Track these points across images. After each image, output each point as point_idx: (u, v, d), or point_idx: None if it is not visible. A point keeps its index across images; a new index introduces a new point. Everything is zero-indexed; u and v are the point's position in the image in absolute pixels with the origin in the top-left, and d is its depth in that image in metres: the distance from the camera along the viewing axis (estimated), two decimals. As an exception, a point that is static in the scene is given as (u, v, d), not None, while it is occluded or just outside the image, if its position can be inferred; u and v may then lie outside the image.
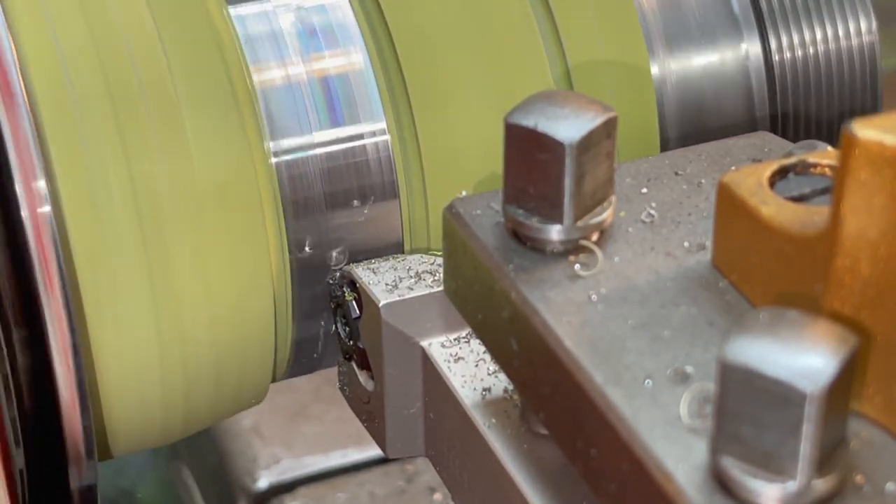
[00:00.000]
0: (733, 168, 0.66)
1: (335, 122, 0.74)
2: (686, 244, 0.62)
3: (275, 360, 0.77)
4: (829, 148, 0.64)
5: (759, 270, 0.58)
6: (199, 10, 0.73)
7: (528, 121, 0.61)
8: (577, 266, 0.61)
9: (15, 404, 0.68)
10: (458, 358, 0.71)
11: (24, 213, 0.66)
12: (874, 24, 0.81)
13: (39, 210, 0.66)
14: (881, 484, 0.51)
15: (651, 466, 0.52)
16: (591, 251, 0.61)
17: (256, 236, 0.72)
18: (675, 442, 0.52)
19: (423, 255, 0.75)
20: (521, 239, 0.62)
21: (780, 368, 0.48)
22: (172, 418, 0.74)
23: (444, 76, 0.75)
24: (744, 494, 0.50)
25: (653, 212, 0.64)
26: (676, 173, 0.67)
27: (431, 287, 0.72)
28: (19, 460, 0.70)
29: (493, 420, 0.68)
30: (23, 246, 0.66)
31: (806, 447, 0.49)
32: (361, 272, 0.74)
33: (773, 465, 0.49)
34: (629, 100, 0.78)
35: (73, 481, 0.70)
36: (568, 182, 0.60)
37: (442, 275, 0.69)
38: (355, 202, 0.75)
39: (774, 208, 0.57)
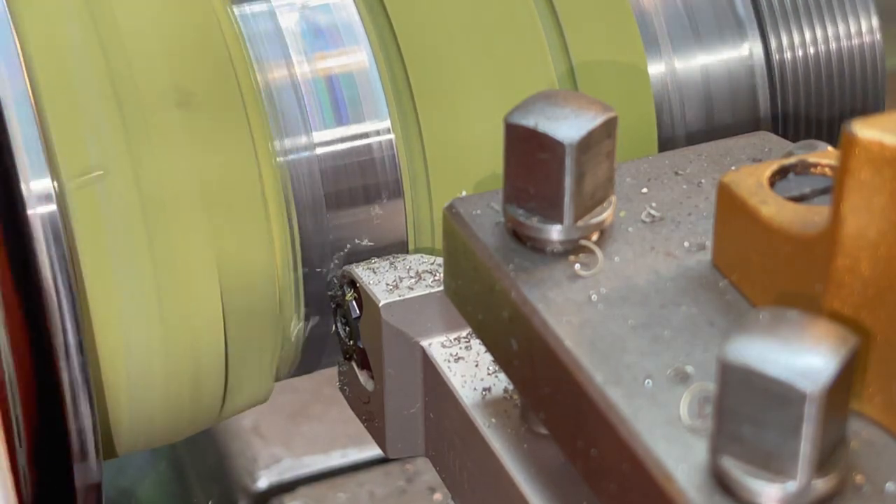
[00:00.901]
0: (733, 168, 0.66)
1: (340, 121, 0.75)
2: (686, 244, 0.62)
3: (280, 358, 0.77)
4: (829, 148, 0.64)
5: (759, 270, 0.58)
6: (205, 9, 0.73)
7: (528, 121, 0.61)
8: (577, 266, 0.61)
9: (20, 402, 0.68)
10: (458, 358, 0.71)
11: (30, 211, 0.66)
12: (877, 24, 0.81)
13: (45, 209, 0.66)
14: (881, 484, 0.51)
15: (651, 466, 0.52)
16: (591, 251, 0.61)
17: (262, 235, 0.73)
18: (675, 442, 0.52)
19: (423, 255, 0.75)
20: (521, 239, 0.62)
21: (780, 368, 0.48)
22: (178, 417, 0.74)
23: (448, 75, 0.75)
24: (744, 494, 0.50)
25: (653, 212, 0.64)
26: (676, 173, 0.67)
27: (431, 287, 0.72)
28: (24, 459, 0.70)
29: (493, 420, 0.68)
30: (28, 245, 0.66)
31: (806, 447, 0.49)
32: (361, 272, 0.74)
33: (773, 465, 0.49)
34: (629, 99, 0.78)
35: (79, 480, 0.70)
36: (568, 182, 0.60)
37: (442, 275, 0.69)
38: (360, 201, 0.75)
39: (774, 208, 0.57)
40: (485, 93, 0.75)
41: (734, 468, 0.50)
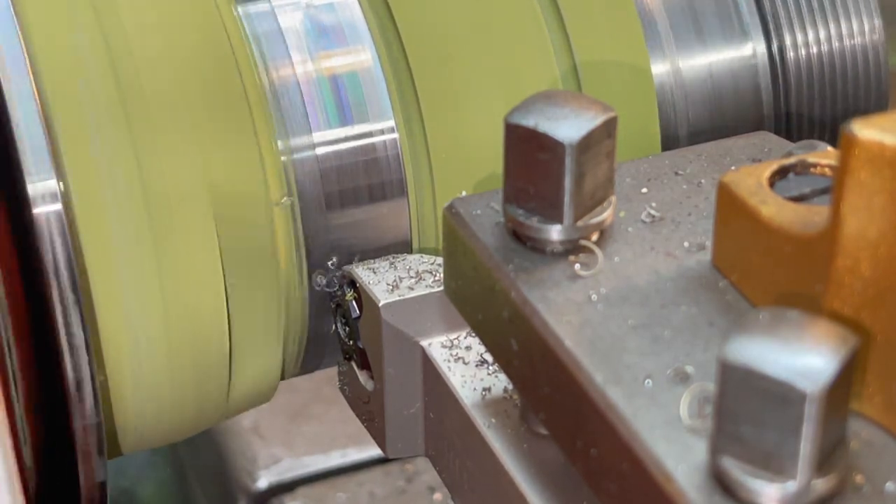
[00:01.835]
0: (733, 168, 0.66)
1: (344, 121, 0.75)
2: (686, 244, 0.62)
3: (284, 357, 0.77)
4: (829, 148, 0.64)
5: (759, 270, 0.58)
6: (209, 9, 0.73)
7: (529, 121, 0.61)
8: (577, 266, 0.61)
9: (25, 401, 0.68)
10: (458, 358, 0.71)
11: (36, 211, 0.66)
12: (880, 24, 0.81)
13: (50, 208, 0.66)
14: (881, 484, 0.51)
15: (651, 466, 0.52)
16: (591, 251, 0.61)
17: (267, 234, 0.73)
18: (675, 442, 0.52)
19: (423, 255, 0.75)
20: (521, 239, 0.62)
21: (780, 368, 0.48)
22: (183, 415, 0.74)
23: (452, 74, 0.75)
24: (744, 494, 0.50)
25: (653, 212, 0.64)
26: (676, 173, 0.67)
27: (431, 287, 0.72)
28: (29, 457, 0.70)
29: (493, 420, 0.68)
30: (34, 244, 0.66)
31: (806, 447, 0.49)
32: (361, 272, 0.74)
33: (773, 465, 0.49)
34: (633, 99, 0.78)
35: (83, 478, 0.70)
36: (568, 182, 0.60)
37: (442, 275, 0.69)
38: (364, 200, 0.75)
39: (774, 208, 0.57)
40: (489, 92, 0.75)
41: (734, 468, 0.50)
